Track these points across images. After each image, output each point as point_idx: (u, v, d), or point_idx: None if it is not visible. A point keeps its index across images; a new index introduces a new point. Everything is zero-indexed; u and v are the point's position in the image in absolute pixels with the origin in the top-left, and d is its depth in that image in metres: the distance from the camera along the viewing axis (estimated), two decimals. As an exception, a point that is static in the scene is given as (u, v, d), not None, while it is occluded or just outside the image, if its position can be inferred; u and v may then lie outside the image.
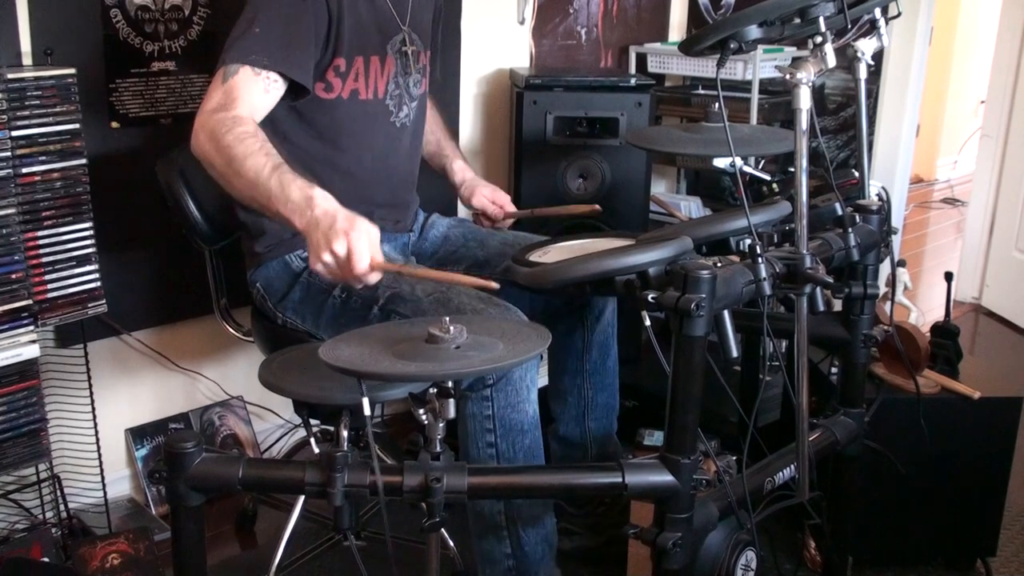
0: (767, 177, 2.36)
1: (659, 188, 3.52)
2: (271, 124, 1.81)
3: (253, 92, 1.73)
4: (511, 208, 2.25)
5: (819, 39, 1.46)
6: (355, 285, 1.55)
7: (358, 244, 1.48)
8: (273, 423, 2.71)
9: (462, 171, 2.28)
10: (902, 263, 2.58)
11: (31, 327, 1.93)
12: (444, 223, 2.22)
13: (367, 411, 1.29)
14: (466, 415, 1.77)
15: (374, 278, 1.53)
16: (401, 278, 1.86)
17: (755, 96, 3.01)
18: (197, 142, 1.70)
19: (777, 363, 2.40)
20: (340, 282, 1.56)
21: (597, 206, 2.16)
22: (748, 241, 1.55)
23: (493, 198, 2.23)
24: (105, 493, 2.26)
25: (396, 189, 2.09)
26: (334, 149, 1.94)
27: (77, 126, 1.94)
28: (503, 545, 1.83)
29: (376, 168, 2.01)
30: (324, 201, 1.54)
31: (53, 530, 2.14)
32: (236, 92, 1.71)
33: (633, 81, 2.75)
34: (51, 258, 1.95)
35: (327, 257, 1.49)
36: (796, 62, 1.46)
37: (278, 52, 1.75)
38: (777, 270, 1.50)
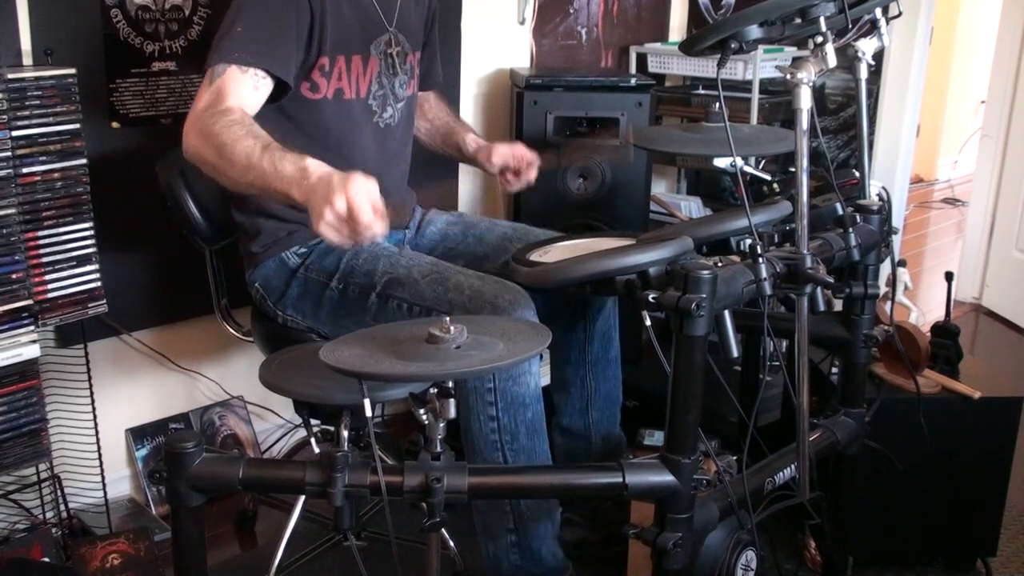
0: (767, 177, 2.36)
1: (659, 188, 3.52)
2: (259, 125, 1.82)
3: (242, 90, 1.74)
4: (530, 155, 2.19)
5: (820, 39, 1.46)
6: (363, 241, 1.50)
7: (357, 196, 1.45)
8: (273, 423, 2.71)
9: (475, 141, 2.26)
10: (902, 263, 2.58)
11: (31, 327, 1.93)
12: (442, 219, 2.22)
13: (368, 412, 1.29)
14: (468, 389, 1.78)
15: (381, 227, 1.48)
16: (400, 261, 1.86)
17: (755, 96, 3.01)
18: (188, 142, 1.70)
19: (777, 363, 2.40)
20: (348, 243, 1.53)
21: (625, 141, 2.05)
22: (749, 241, 1.55)
23: (512, 151, 2.20)
24: (105, 493, 2.26)
25: (388, 189, 2.07)
26: (322, 150, 1.93)
27: (77, 126, 1.94)
28: (506, 522, 1.83)
29: (365, 169, 2.00)
30: (318, 167, 1.53)
31: (53, 530, 2.14)
32: (225, 90, 1.72)
33: (633, 81, 2.75)
34: (51, 258, 1.95)
35: (329, 216, 1.46)
36: (796, 62, 1.46)
37: (262, 49, 1.76)
38: (778, 270, 1.50)
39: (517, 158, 2.19)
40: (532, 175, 2.21)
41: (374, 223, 1.47)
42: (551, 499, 1.87)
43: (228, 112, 1.67)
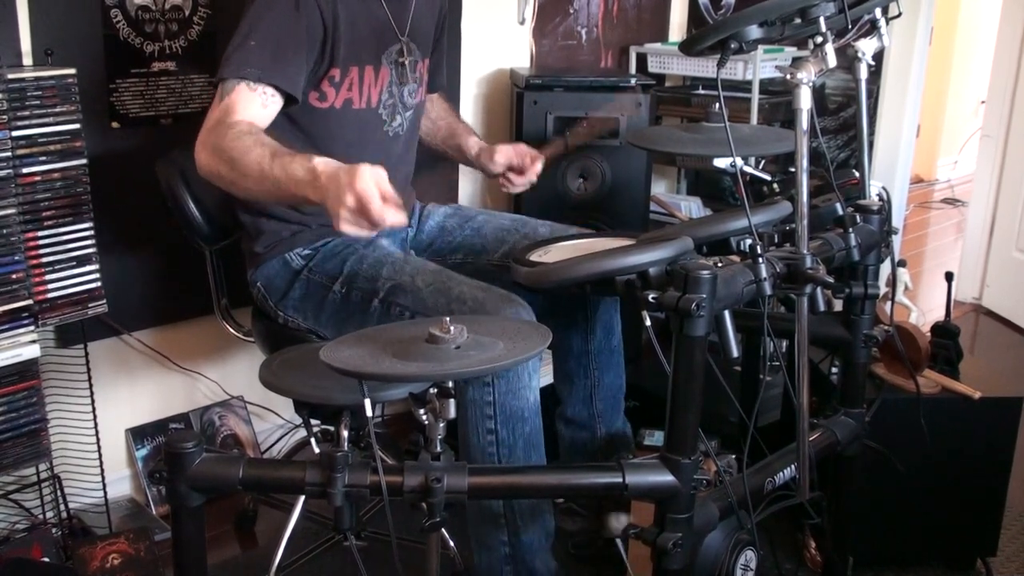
0: (767, 177, 2.35)
1: (659, 188, 3.52)
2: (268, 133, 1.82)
3: (251, 107, 1.75)
4: (533, 151, 2.22)
5: (820, 39, 1.46)
6: (384, 227, 1.51)
7: (366, 189, 1.46)
8: (273, 423, 2.71)
9: (477, 144, 2.27)
10: (902, 263, 2.58)
11: (31, 327, 1.93)
12: (440, 212, 2.23)
13: (369, 412, 1.29)
14: (466, 401, 1.78)
15: (394, 216, 1.49)
16: (404, 268, 1.86)
17: (755, 96, 3.01)
18: (200, 160, 1.71)
19: (777, 363, 2.39)
20: (372, 233, 1.53)
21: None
22: (749, 241, 1.55)
23: (515, 149, 2.22)
24: (105, 493, 2.26)
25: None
26: (328, 157, 1.94)
27: (77, 126, 1.94)
28: (500, 532, 1.83)
29: None
30: (326, 167, 1.54)
31: (53, 530, 2.14)
32: (234, 107, 1.73)
33: (633, 81, 2.75)
34: (51, 258, 1.95)
35: (344, 214, 1.48)
36: (796, 62, 1.46)
37: (271, 64, 1.76)
38: (778, 270, 1.50)
39: (520, 154, 2.21)
40: (535, 172, 2.23)
41: (386, 212, 1.48)
42: (545, 511, 1.86)
43: (235, 125, 1.68)
